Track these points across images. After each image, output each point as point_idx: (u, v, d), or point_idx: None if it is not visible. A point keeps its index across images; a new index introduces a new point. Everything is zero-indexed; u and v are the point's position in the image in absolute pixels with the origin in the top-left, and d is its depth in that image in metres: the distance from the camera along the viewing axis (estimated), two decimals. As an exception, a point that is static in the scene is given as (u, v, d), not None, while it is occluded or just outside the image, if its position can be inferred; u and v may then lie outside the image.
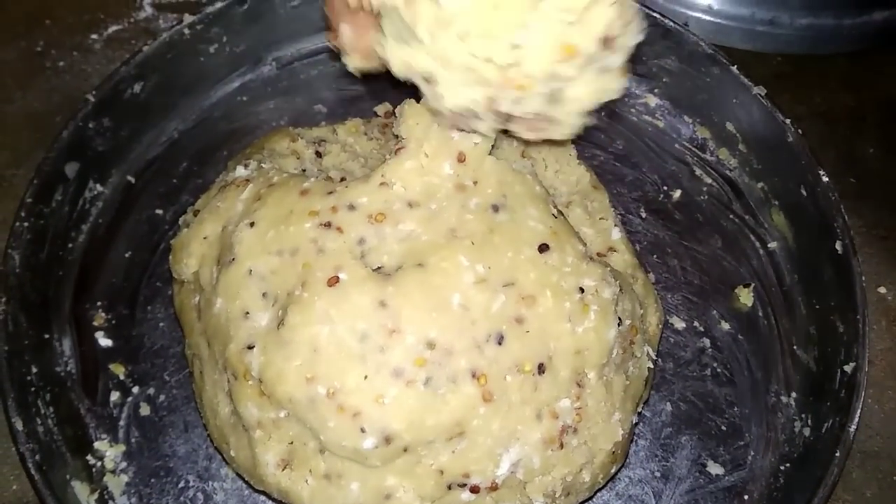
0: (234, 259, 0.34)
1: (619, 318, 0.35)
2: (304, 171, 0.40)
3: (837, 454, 0.36)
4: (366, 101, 0.54)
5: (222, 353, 0.34)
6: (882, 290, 0.49)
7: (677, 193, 0.50)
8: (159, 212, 0.49)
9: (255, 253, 0.34)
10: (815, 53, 0.59)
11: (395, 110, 0.36)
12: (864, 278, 0.42)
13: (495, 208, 0.35)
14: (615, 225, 0.42)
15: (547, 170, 0.43)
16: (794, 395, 0.43)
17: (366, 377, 0.32)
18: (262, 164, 0.39)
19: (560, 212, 0.37)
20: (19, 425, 0.37)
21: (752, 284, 0.47)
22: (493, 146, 0.35)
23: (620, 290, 0.35)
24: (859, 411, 0.37)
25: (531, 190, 0.36)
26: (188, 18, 0.50)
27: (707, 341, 0.45)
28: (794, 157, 0.46)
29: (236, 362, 0.33)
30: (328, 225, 0.34)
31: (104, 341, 0.44)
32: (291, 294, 0.33)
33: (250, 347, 0.33)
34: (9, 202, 0.50)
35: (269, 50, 0.54)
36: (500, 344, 0.33)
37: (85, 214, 0.47)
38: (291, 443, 0.33)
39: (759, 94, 0.48)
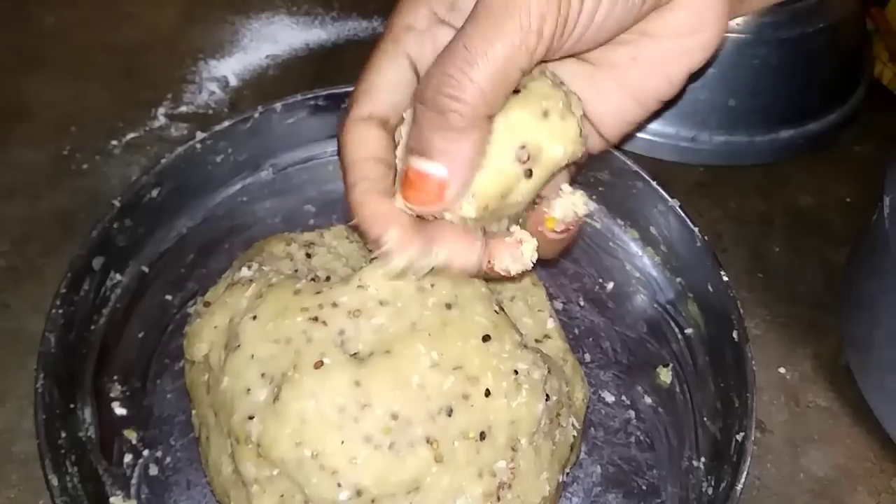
0: (239, 345, 0.42)
1: (547, 395, 0.42)
2: (296, 271, 0.48)
3: (726, 509, 0.44)
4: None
5: (227, 422, 0.41)
6: (782, 370, 0.57)
7: (611, 285, 0.59)
8: (168, 297, 0.56)
9: (257, 341, 0.41)
10: (731, 165, 0.69)
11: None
12: (756, 362, 0.49)
13: (448, 306, 0.42)
14: (550, 316, 0.50)
15: (496, 269, 0.51)
16: (703, 459, 0.51)
17: (342, 442, 0.39)
18: (263, 267, 0.47)
19: (502, 308, 0.45)
20: (55, 482, 0.43)
21: (671, 364, 0.55)
22: None
23: (549, 371, 0.43)
24: (745, 473, 0.45)
25: (478, 291, 0.44)
26: (200, 135, 0.58)
27: (632, 413, 0.53)
28: (702, 258, 0.55)
29: (238, 430, 0.40)
30: (315, 319, 0.41)
31: (119, 410, 0.50)
32: (285, 375, 0.40)
33: (251, 418, 0.40)
34: (40, 287, 0.57)
35: (266, 158, 0.62)
36: (449, 416, 0.40)
37: (105, 300, 0.54)
38: (282, 496, 0.40)
39: (675, 206, 0.57)
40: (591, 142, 0.43)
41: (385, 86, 0.40)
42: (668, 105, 0.43)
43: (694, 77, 0.41)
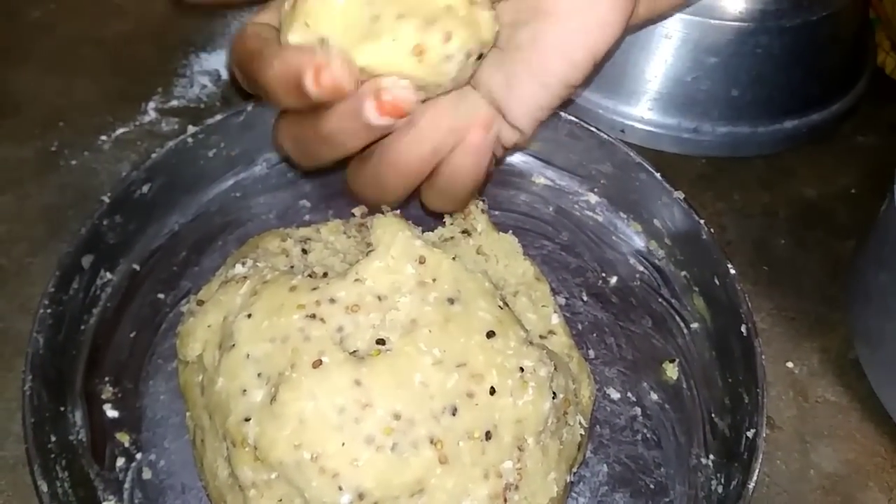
0: (234, 345, 0.40)
1: (554, 393, 0.41)
2: (292, 267, 0.47)
3: (738, 507, 0.43)
4: (344, 196, 0.61)
5: (222, 424, 0.40)
6: (790, 364, 0.56)
7: (614, 279, 0.58)
8: (161, 296, 0.54)
9: (252, 340, 0.40)
10: (734, 156, 0.67)
11: (367, 223, 0.44)
12: (764, 357, 0.48)
13: (451, 301, 0.41)
14: (554, 311, 0.49)
15: (498, 264, 0.50)
16: (711, 457, 0.49)
17: (343, 444, 0.37)
18: (257, 263, 0.45)
19: (506, 303, 0.44)
20: (44, 487, 0.41)
21: (678, 360, 0.53)
22: (453, 257, 0.43)
23: (555, 368, 0.42)
24: (757, 471, 0.44)
25: (481, 286, 0.43)
26: (191, 129, 0.57)
27: (638, 410, 0.52)
28: (708, 251, 0.53)
29: (235, 432, 0.39)
30: (313, 316, 0.40)
31: (111, 412, 0.49)
32: (282, 374, 0.39)
33: (247, 419, 0.39)
34: (27, 288, 0.55)
35: (260, 152, 0.61)
36: (454, 415, 0.39)
37: (96, 300, 0.52)
38: (280, 500, 0.39)
39: (679, 198, 0.55)
40: (503, 133, 0.42)
41: None
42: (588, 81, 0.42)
43: (604, 59, 0.40)
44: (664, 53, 0.64)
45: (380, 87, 0.34)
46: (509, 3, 0.39)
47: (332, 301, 0.41)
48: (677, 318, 0.56)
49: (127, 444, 0.48)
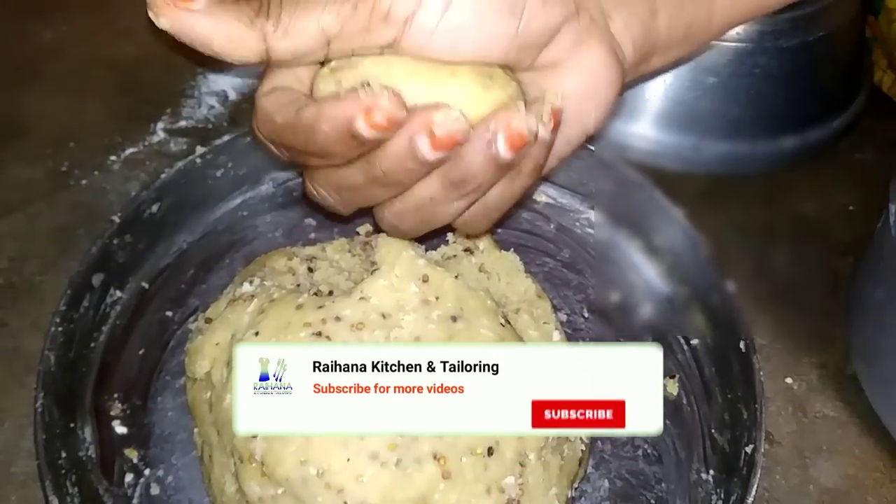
0: (241, 362, 0.42)
1: (555, 409, 0.42)
2: (298, 285, 0.48)
3: (737, 522, 0.44)
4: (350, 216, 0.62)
5: (230, 441, 0.41)
6: (789, 380, 0.57)
7: (615, 296, 0.58)
8: (169, 313, 0.55)
9: (259, 358, 0.41)
10: (734, 173, 0.68)
11: (371, 241, 0.45)
12: (763, 372, 0.49)
13: (453, 318, 0.42)
14: (556, 328, 0.50)
15: (500, 281, 0.51)
16: (711, 472, 0.50)
17: (348, 460, 0.38)
18: (265, 282, 0.46)
19: (508, 321, 0.44)
20: (55, 503, 0.42)
21: (678, 375, 0.54)
22: (456, 276, 0.44)
23: (556, 385, 0.43)
24: (756, 486, 0.44)
25: (484, 304, 0.44)
26: (199, 149, 0.58)
27: (640, 425, 0.53)
28: (708, 268, 0.54)
29: (242, 448, 0.40)
30: (319, 334, 0.41)
31: (120, 429, 0.49)
32: (289, 391, 0.40)
33: (254, 436, 0.39)
34: (38, 305, 0.56)
35: (267, 171, 0.62)
36: None
37: (105, 317, 0.53)
38: (287, 515, 0.40)
39: (680, 215, 0.56)
40: None
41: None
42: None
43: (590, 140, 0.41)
44: (664, 74, 0.65)
45: (431, 122, 0.32)
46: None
47: (338, 319, 0.42)
48: (677, 334, 0.56)
49: (135, 460, 0.49)
